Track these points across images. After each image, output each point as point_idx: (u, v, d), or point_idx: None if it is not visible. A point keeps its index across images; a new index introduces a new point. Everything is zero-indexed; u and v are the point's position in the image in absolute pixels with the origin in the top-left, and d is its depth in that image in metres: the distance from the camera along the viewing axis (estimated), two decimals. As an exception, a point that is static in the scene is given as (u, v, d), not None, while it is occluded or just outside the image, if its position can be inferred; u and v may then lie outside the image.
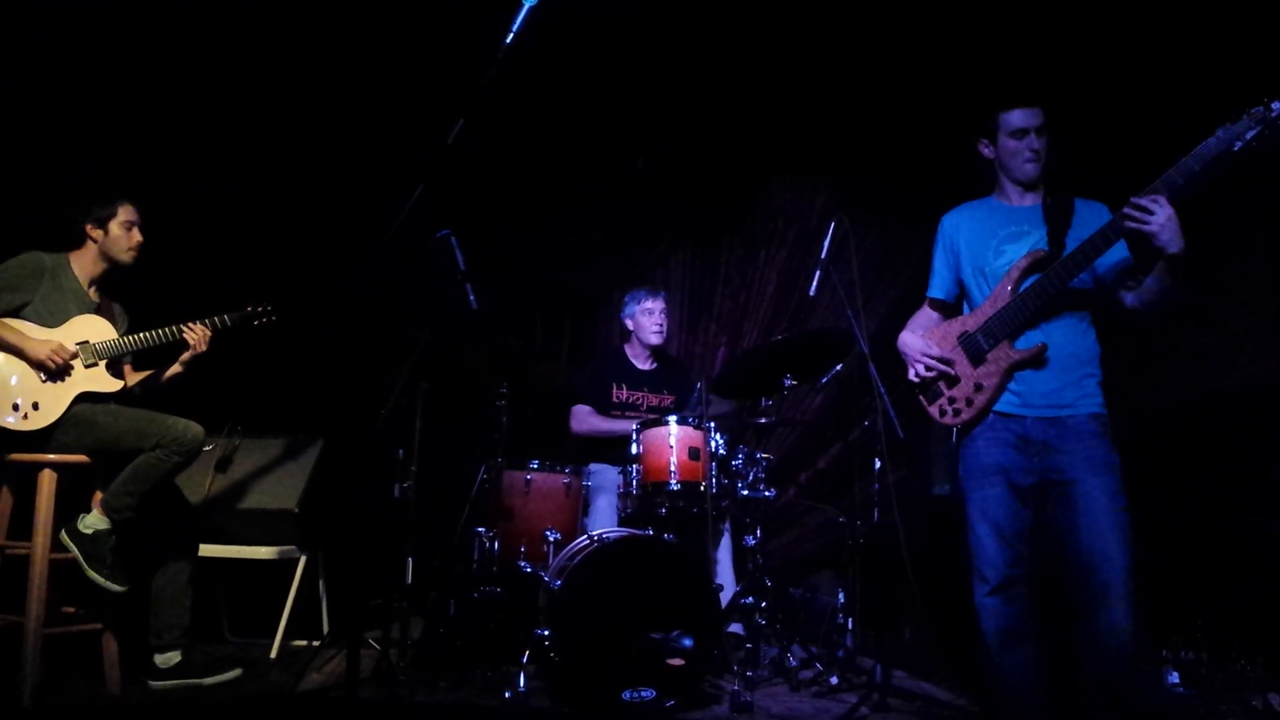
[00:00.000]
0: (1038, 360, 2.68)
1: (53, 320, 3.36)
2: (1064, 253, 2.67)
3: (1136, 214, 2.45)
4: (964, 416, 2.77)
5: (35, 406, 3.25)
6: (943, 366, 2.80)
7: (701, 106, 5.05)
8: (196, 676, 3.43)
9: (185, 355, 3.55)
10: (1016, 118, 2.78)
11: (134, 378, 3.62)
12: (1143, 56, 4.05)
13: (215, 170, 4.72)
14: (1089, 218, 2.73)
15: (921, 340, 2.88)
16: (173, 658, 3.44)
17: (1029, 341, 2.70)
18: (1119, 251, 2.65)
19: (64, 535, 3.21)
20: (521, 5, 2.46)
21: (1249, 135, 2.36)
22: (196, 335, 3.50)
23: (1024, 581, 2.69)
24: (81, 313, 3.42)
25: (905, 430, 3.65)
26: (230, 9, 4.35)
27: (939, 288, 2.98)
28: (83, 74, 4.37)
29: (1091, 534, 2.56)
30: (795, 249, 5.57)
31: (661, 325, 4.67)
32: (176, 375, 3.60)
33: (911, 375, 2.88)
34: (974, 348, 2.78)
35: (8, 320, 3.29)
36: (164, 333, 3.49)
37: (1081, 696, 2.63)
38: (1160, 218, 2.42)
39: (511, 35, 2.52)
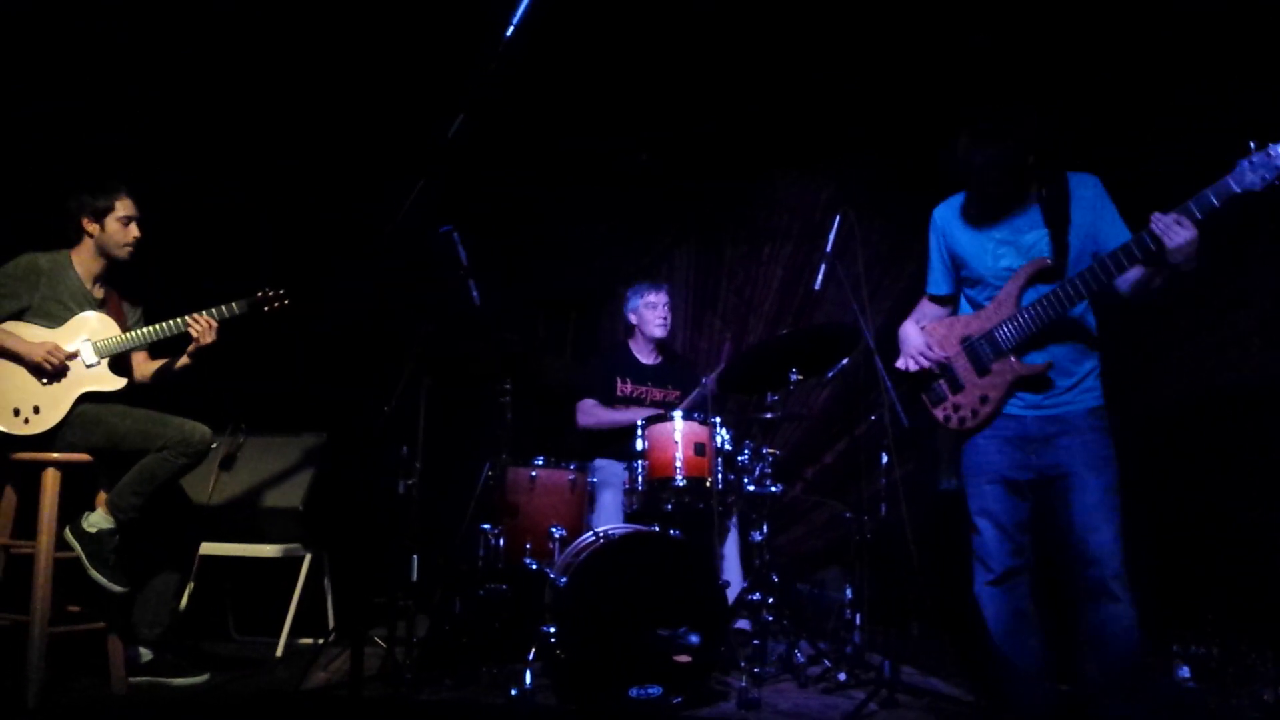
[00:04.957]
0: (1042, 375, 2.68)
1: (55, 321, 3.33)
2: (1067, 251, 2.64)
3: (1160, 230, 2.40)
4: (969, 425, 2.79)
5: (36, 410, 3.23)
6: (932, 366, 2.81)
7: (705, 100, 5.02)
8: (165, 676, 3.43)
9: (191, 347, 3.47)
10: (974, 159, 2.64)
11: (150, 366, 3.57)
12: (1142, 51, 4.01)
13: (218, 166, 4.71)
14: (1084, 200, 2.67)
15: (921, 338, 2.87)
16: (144, 655, 3.44)
17: (1035, 358, 2.69)
18: (1120, 239, 2.60)
19: (68, 533, 3.20)
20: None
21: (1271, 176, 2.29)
22: (201, 326, 3.41)
23: (1025, 571, 2.72)
24: (84, 310, 3.39)
25: (912, 422, 3.63)
26: (233, 5, 4.34)
27: (938, 284, 2.95)
28: (82, 65, 4.35)
29: (1086, 528, 2.58)
30: (800, 243, 5.53)
31: (665, 318, 4.66)
32: (186, 366, 3.53)
33: (900, 364, 2.89)
34: (977, 356, 2.76)
35: (4, 326, 3.26)
36: (169, 325, 3.43)
37: (1091, 688, 2.62)
38: (1181, 238, 2.37)
39: (513, 28, 2.51)
